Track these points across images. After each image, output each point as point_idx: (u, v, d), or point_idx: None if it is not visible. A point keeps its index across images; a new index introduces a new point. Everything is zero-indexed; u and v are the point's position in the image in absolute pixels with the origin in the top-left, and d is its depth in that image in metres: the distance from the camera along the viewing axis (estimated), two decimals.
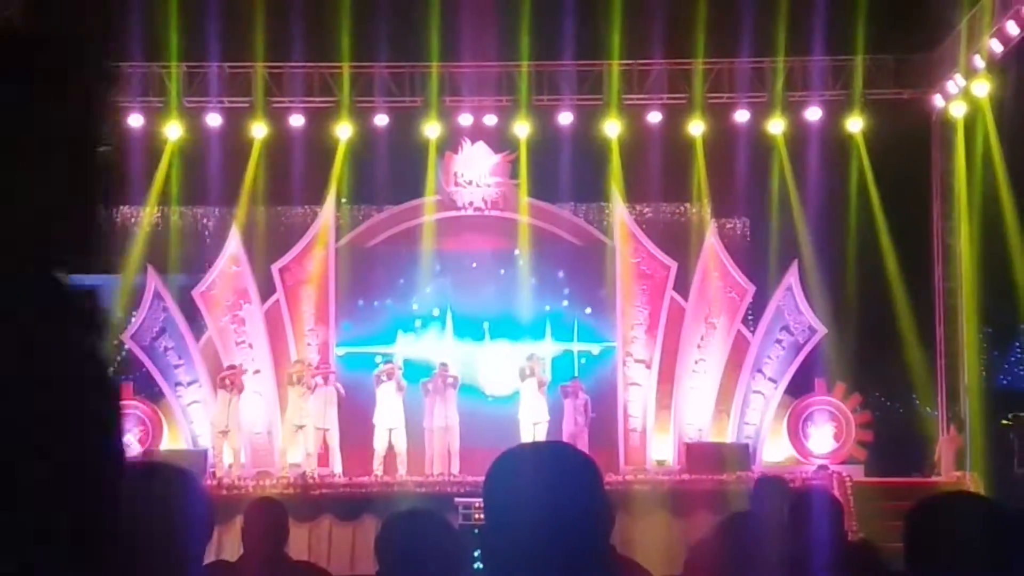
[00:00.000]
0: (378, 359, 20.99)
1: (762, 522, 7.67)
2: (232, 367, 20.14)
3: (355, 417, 20.06)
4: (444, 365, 20.08)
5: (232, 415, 19.73)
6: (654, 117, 21.58)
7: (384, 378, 19.95)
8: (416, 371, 20.72)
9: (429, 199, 21.87)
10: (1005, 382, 27.54)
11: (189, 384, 20.93)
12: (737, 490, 17.62)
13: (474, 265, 22.01)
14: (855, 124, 21.47)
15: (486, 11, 20.49)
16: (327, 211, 21.70)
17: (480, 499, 2.66)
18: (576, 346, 21.77)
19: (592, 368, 21.63)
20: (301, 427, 19.79)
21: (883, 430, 21.41)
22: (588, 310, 21.98)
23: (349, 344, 21.67)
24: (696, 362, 21.31)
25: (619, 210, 21.79)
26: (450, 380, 19.94)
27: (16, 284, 1.43)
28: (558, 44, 21.11)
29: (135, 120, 21.27)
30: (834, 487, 17.75)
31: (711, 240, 21.47)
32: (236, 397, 19.81)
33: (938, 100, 21.31)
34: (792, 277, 21.11)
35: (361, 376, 20.83)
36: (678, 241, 22.07)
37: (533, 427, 19.82)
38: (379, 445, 19.69)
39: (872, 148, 21.45)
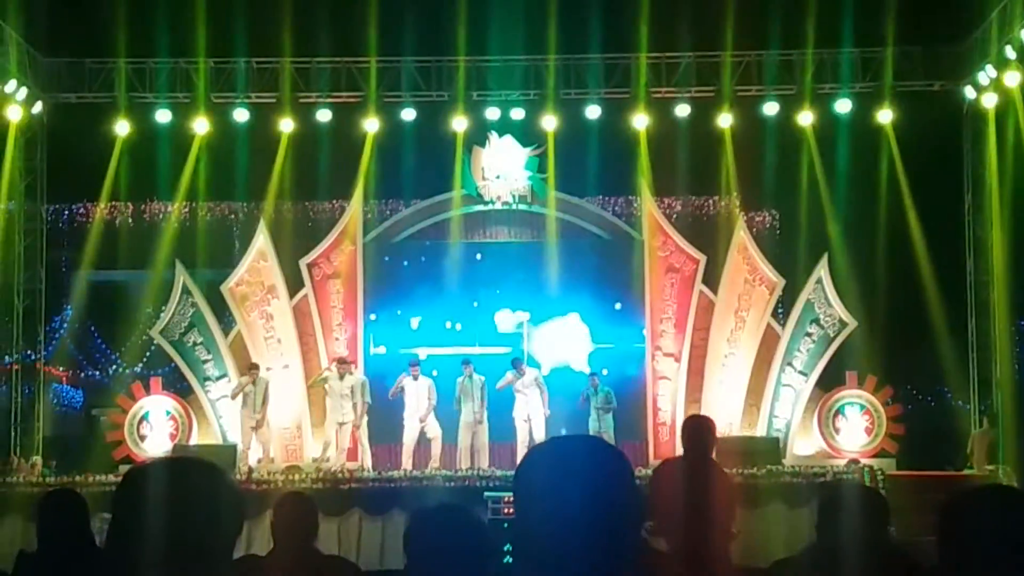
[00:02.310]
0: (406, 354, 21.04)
1: (689, 462, 7.72)
2: (253, 366, 20.09)
3: (384, 414, 20.09)
4: (467, 363, 20.09)
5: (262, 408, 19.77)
6: (682, 110, 21.53)
7: (409, 373, 19.99)
8: (445, 367, 20.75)
9: (457, 193, 21.88)
10: None
11: (218, 379, 20.98)
12: (768, 484, 17.58)
13: (502, 259, 21.99)
14: (885, 116, 21.38)
15: (513, 4, 20.48)
16: (355, 206, 21.72)
17: (510, 493, 2.66)
18: (605, 342, 21.79)
19: (621, 362, 21.61)
20: (343, 424, 19.81)
21: (915, 423, 21.33)
22: (617, 304, 21.95)
23: (377, 341, 21.69)
24: (726, 356, 21.26)
25: (647, 204, 21.75)
26: (477, 379, 19.93)
27: None
28: (585, 37, 21.09)
29: (163, 116, 21.35)
30: (865, 481, 17.67)
31: (740, 233, 21.41)
32: (263, 391, 19.84)
33: (969, 91, 21.18)
34: (822, 270, 21.03)
35: (389, 373, 20.87)
36: (707, 234, 22.01)
37: (525, 424, 19.81)
38: (408, 439, 19.75)
39: (902, 140, 21.35)
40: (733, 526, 7.80)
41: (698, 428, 8.00)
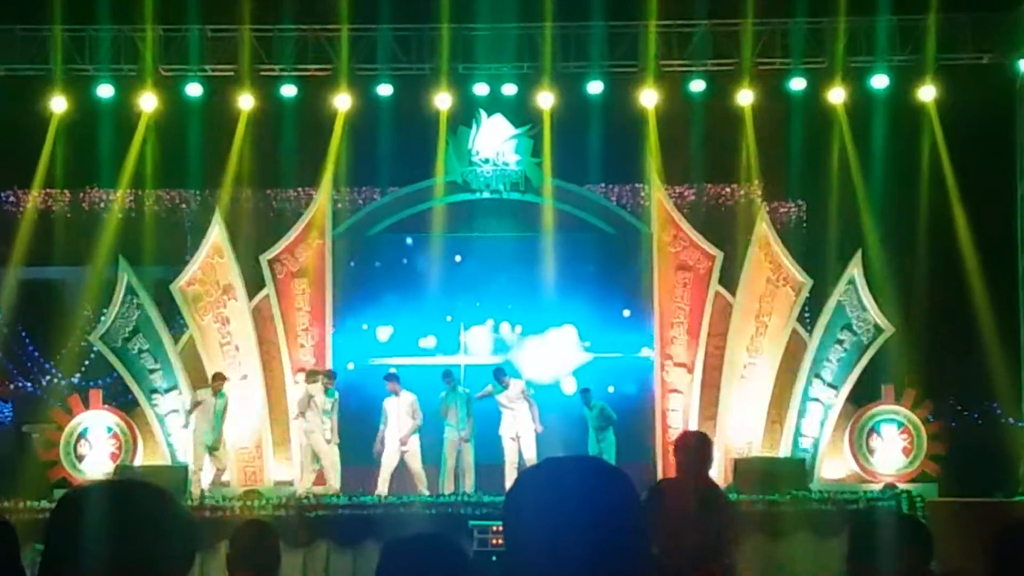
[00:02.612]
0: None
1: (689, 483, 7.87)
2: (219, 376, 20.08)
3: (353, 431, 20.07)
4: (448, 374, 20.11)
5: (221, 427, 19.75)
6: (697, 86, 21.54)
7: (387, 390, 19.94)
8: (424, 380, 20.73)
9: (439, 181, 21.86)
10: None
11: (167, 391, 20.95)
12: (793, 512, 17.60)
13: (491, 256, 21.97)
14: (927, 93, 21.40)
15: None
16: (323, 194, 21.69)
17: (499, 522, 2.66)
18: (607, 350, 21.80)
19: (626, 372, 21.60)
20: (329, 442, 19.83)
21: (960, 443, 21.34)
22: (622, 308, 21.93)
23: (349, 350, 21.65)
24: (745, 366, 21.27)
25: (657, 192, 21.75)
26: (461, 392, 19.96)
27: None
28: (587, 2, 21.08)
29: (105, 91, 21.31)
30: (903, 509, 17.70)
31: (762, 226, 21.41)
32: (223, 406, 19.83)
33: (1023, 65, 21.21)
34: (855, 268, 21.04)
35: (361, 385, 20.86)
36: (724, 228, 22.04)
37: (513, 442, 19.81)
38: (387, 461, 19.67)
39: (947, 120, 21.36)
40: (736, 552, 8.04)
41: (699, 445, 8.20)
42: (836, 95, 21.54)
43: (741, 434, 21.05)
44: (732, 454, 20.69)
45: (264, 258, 21.45)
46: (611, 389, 21.24)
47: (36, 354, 25.23)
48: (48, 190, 22.33)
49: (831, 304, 21.12)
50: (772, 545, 17.54)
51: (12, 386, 26.58)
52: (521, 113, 21.83)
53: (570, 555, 2.48)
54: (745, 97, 21.60)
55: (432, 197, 21.94)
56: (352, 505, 18.11)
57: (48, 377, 23.67)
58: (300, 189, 22.45)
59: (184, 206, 22.90)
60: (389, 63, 21.59)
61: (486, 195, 21.94)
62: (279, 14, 21.21)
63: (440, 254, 21.73)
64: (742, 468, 19.72)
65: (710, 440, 8.52)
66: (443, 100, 21.52)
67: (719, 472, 20.77)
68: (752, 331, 21.35)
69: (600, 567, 2.49)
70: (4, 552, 5.85)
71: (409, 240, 22.10)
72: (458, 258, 21.92)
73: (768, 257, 21.39)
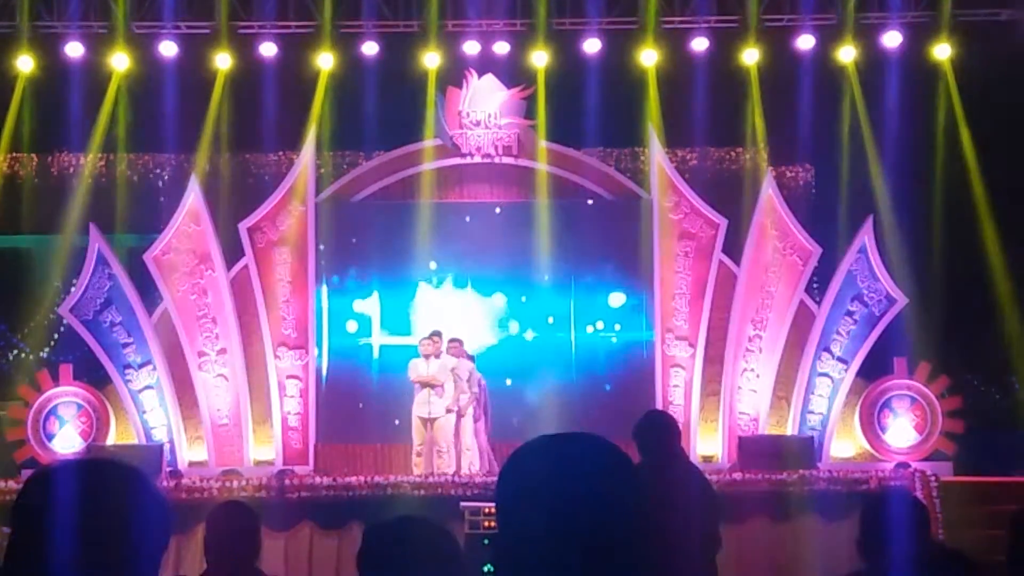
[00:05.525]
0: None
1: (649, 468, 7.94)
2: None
3: (341, 409, 20.12)
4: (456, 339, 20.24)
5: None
6: (700, 43, 21.49)
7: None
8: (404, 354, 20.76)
9: (428, 144, 21.82)
10: None
11: (141, 366, 20.96)
12: (800, 493, 17.63)
13: (482, 223, 21.96)
14: (943, 51, 21.37)
15: None
16: (305, 158, 21.66)
17: (492, 503, 2.66)
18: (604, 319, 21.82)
19: (625, 346, 21.61)
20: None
21: (976, 419, 21.35)
22: (619, 276, 21.93)
23: (332, 323, 21.67)
24: (750, 339, 21.30)
25: (657, 156, 21.73)
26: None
27: None
28: None
29: (74, 49, 21.23)
30: (917, 488, 17.74)
31: (768, 192, 21.41)
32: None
33: None
34: (866, 236, 21.06)
35: (346, 360, 20.90)
36: (729, 193, 21.99)
37: (425, 424, 19.76)
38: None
39: (963, 80, 21.34)
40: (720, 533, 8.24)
41: (670, 422, 8.49)
42: (846, 53, 21.52)
43: (746, 411, 21.09)
44: (737, 432, 20.73)
45: (243, 226, 21.43)
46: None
47: (2, 327, 25.22)
48: (14, 154, 22.25)
49: (841, 274, 21.14)
50: (777, 529, 17.58)
51: None
52: (514, 73, 21.78)
53: (567, 537, 2.48)
54: (750, 56, 21.57)
55: (420, 161, 21.91)
56: (336, 486, 18.11)
57: (15, 352, 23.61)
58: (281, 153, 22.37)
59: (158, 171, 22.81)
60: (375, 20, 21.52)
61: (476, 159, 21.90)
62: None
63: (428, 221, 21.68)
64: (747, 446, 19.77)
65: (668, 417, 8.97)
66: (432, 59, 21.47)
67: (723, 451, 20.88)
68: (758, 302, 21.37)
69: (599, 550, 2.49)
70: None
71: (395, 206, 22.01)
72: (443, 225, 21.87)
73: (774, 224, 21.39)
